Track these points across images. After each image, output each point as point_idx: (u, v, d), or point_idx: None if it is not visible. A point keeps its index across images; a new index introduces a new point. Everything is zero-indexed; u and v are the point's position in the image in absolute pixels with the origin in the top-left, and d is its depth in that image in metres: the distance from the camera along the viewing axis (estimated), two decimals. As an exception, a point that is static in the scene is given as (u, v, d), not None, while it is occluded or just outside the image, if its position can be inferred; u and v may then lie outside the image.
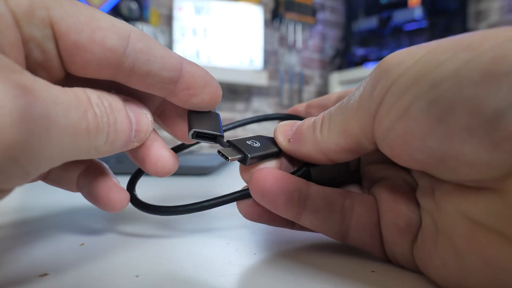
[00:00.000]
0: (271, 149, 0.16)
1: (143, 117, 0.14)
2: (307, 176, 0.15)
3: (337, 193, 0.15)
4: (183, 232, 0.18)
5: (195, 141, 0.16)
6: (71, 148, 0.11)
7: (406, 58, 0.11)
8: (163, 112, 0.17)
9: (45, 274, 0.13)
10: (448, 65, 0.10)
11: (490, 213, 0.10)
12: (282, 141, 0.16)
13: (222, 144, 0.16)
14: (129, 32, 0.13)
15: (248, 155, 0.15)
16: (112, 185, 0.16)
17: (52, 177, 0.17)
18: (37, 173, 0.10)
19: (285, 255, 0.15)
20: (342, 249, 0.16)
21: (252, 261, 0.14)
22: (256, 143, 0.16)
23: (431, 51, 0.10)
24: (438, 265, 0.12)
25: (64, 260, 0.14)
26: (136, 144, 0.14)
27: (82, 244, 0.16)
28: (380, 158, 0.17)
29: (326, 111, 0.14)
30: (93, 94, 0.12)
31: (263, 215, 0.15)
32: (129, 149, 0.14)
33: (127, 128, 0.13)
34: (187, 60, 0.15)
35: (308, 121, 0.15)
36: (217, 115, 0.17)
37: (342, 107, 0.13)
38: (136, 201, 0.17)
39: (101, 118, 0.12)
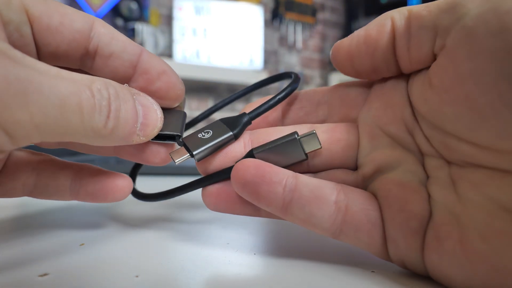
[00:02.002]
0: (223, 135, 0.15)
1: (152, 112, 0.14)
2: None
3: (328, 185, 0.14)
4: (183, 232, 0.18)
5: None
6: (61, 121, 0.11)
7: None
8: None
9: (45, 274, 0.13)
10: None
11: None
12: None
13: (179, 144, 0.16)
14: (92, 19, 0.15)
15: (193, 153, 0.15)
16: (112, 174, 0.17)
17: (40, 189, 0.16)
18: (22, 137, 0.10)
19: (285, 255, 0.15)
20: (342, 249, 0.16)
21: (252, 261, 0.14)
22: (208, 133, 0.15)
23: None
24: (461, 264, 0.11)
25: (64, 260, 0.14)
26: (143, 139, 0.14)
27: (82, 244, 0.16)
28: (386, 142, 0.15)
29: None
30: (98, 81, 0.12)
31: (221, 204, 0.15)
32: (135, 143, 0.14)
33: (132, 118, 0.13)
34: (147, 50, 0.16)
35: None
36: (182, 114, 0.16)
37: None
38: (137, 193, 0.18)
39: (100, 101, 0.12)
